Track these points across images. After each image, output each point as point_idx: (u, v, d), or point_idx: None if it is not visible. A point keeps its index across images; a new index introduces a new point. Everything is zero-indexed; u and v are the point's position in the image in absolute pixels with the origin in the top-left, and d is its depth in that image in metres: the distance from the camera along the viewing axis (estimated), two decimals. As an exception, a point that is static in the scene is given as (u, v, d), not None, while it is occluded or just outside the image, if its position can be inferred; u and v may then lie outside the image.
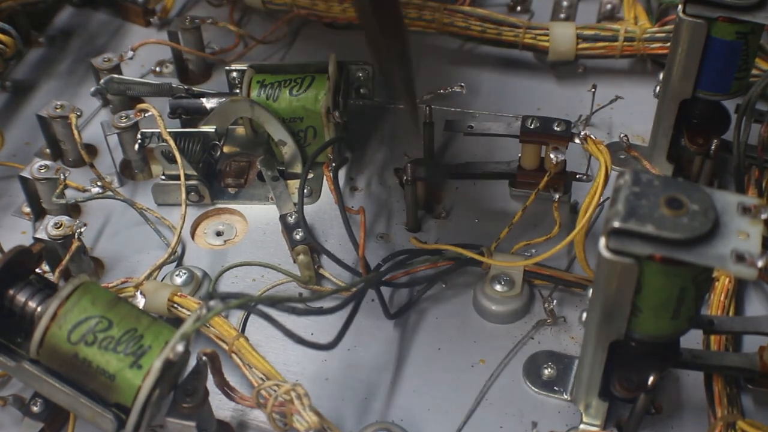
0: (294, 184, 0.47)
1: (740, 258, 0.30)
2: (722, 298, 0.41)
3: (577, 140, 0.42)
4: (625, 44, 0.52)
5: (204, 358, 0.36)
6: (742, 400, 0.39)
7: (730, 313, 0.41)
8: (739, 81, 0.43)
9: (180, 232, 0.44)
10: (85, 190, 0.48)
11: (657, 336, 0.34)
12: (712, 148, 0.45)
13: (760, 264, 0.30)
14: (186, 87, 0.51)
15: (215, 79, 0.55)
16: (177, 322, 0.38)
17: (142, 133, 0.47)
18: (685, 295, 0.33)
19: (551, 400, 0.39)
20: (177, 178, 0.46)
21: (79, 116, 0.48)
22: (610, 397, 0.37)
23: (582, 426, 0.38)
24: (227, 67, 0.49)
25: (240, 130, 0.50)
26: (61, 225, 0.42)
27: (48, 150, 0.50)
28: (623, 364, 0.36)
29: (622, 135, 0.48)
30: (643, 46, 0.52)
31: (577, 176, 0.45)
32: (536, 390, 0.40)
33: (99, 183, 0.47)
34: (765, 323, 0.38)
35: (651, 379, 0.35)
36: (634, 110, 0.51)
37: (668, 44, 0.49)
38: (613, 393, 0.37)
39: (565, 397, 0.39)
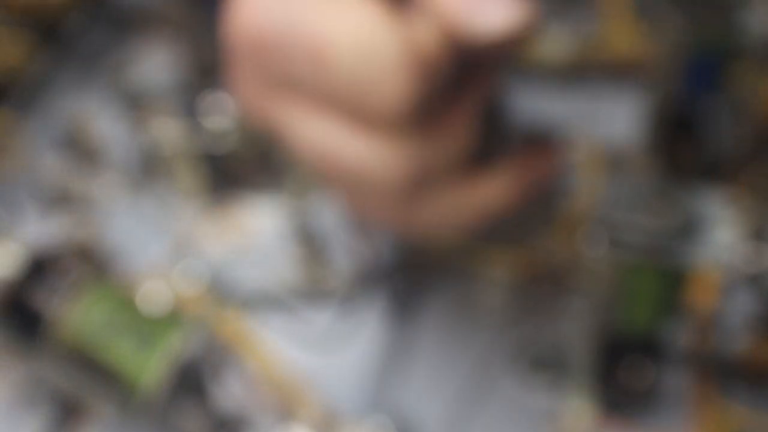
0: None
1: (725, 251, 0.31)
2: (707, 292, 0.42)
3: (565, 142, 0.43)
4: (615, 45, 0.53)
5: (207, 354, 0.37)
6: (731, 395, 0.39)
7: (717, 307, 0.42)
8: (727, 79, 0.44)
9: (185, 231, 0.45)
10: (93, 189, 0.48)
11: (645, 330, 0.35)
12: (699, 145, 0.46)
13: (744, 257, 0.31)
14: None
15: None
16: (181, 319, 0.39)
17: (152, 133, 0.47)
18: (671, 289, 0.33)
19: (548, 393, 0.40)
20: (185, 177, 0.47)
21: (90, 116, 0.48)
22: (602, 391, 0.38)
23: (575, 418, 0.39)
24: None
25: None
26: (68, 223, 0.43)
27: (59, 149, 0.51)
28: (614, 359, 0.37)
29: (609, 135, 0.49)
30: (631, 47, 0.53)
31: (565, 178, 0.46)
32: (534, 383, 0.40)
33: (108, 182, 0.48)
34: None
35: (640, 373, 0.36)
36: (622, 111, 0.52)
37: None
38: (604, 386, 0.37)
39: (560, 390, 0.40)
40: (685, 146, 0.46)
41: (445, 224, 0.33)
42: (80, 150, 0.49)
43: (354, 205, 0.33)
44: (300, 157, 0.32)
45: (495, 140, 0.32)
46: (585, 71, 0.54)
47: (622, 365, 0.37)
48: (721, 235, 0.32)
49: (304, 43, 0.29)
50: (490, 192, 0.32)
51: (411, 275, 0.44)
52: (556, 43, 0.53)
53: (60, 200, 0.46)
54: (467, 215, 0.32)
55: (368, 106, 0.29)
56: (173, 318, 0.39)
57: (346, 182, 0.32)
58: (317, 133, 0.31)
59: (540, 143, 0.33)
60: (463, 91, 0.31)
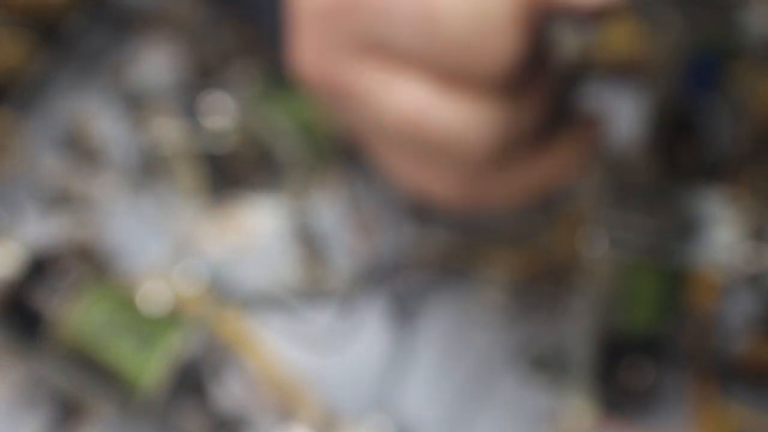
0: (295, 184, 0.48)
1: (725, 251, 0.31)
2: (708, 292, 0.42)
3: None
4: (615, 45, 0.53)
5: (207, 354, 0.37)
6: (731, 395, 0.39)
7: (717, 307, 0.42)
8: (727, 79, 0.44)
9: (185, 231, 0.45)
10: (93, 189, 0.49)
11: (645, 330, 0.35)
12: (699, 145, 0.46)
13: (744, 257, 0.31)
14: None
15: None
16: (181, 319, 0.39)
17: (152, 133, 0.47)
18: (671, 289, 0.34)
19: (548, 393, 0.40)
20: (185, 177, 0.47)
21: (90, 116, 0.49)
22: (602, 391, 0.38)
23: (575, 418, 0.39)
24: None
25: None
26: (68, 223, 0.43)
27: (59, 149, 0.51)
28: (614, 359, 0.37)
29: (608, 135, 0.49)
30: (631, 47, 0.53)
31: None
32: (534, 382, 0.40)
33: (108, 182, 0.48)
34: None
35: (640, 373, 0.36)
36: (622, 111, 0.52)
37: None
38: (605, 386, 0.38)
39: (560, 390, 0.40)
40: (685, 146, 0.46)
41: (507, 199, 0.32)
42: (80, 150, 0.49)
43: (422, 179, 0.32)
44: (374, 125, 0.31)
45: (559, 117, 0.32)
46: (585, 71, 0.54)
47: (622, 365, 0.37)
48: (721, 235, 0.32)
49: (410, 1, 0.28)
50: (552, 166, 0.32)
51: (411, 275, 0.44)
52: (557, 43, 0.53)
53: (60, 200, 0.46)
54: (528, 190, 0.32)
55: (474, 64, 0.28)
56: (173, 318, 0.39)
57: (426, 150, 0.30)
58: (405, 97, 0.30)
59: (589, 121, 0.33)
60: (545, 62, 0.31)
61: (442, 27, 0.28)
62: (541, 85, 0.30)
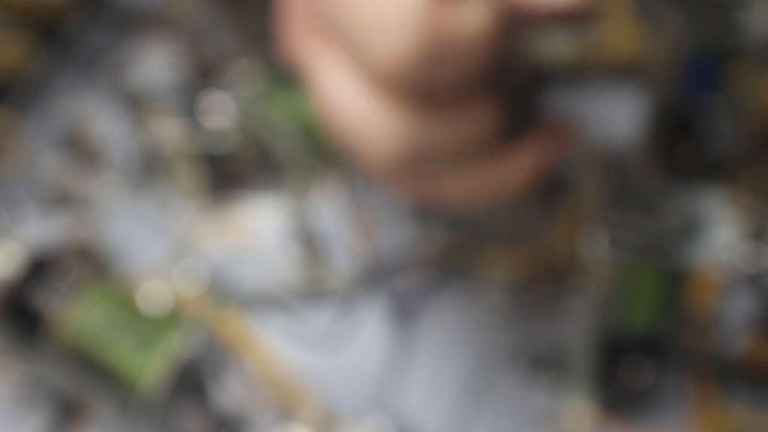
0: (295, 184, 0.48)
1: (725, 251, 0.31)
2: (708, 292, 0.42)
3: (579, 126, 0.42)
4: (615, 45, 0.53)
5: (207, 354, 0.37)
6: (731, 395, 0.39)
7: (717, 307, 0.42)
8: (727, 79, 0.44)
9: (184, 231, 0.45)
10: (93, 189, 0.49)
11: (645, 330, 0.35)
12: (699, 145, 0.46)
13: (744, 257, 0.31)
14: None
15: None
16: (181, 319, 0.39)
17: (152, 133, 0.47)
18: (671, 289, 0.34)
19: (548, 393, 0.40)
20: (185, 177, 0.47)
21: (90, 116, 0.49)
22: (602, 391, 0.38)
23: (575, 418, 0.39)
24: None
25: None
26: (68, 223, 0.43)
27: (59, 149, 0.51)
28: (614, 359, 0.37)
29: (609, 135, 0.49)
30: (631, 47, 0.53)
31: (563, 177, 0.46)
32: (534, 383, 0.40)
33: (108, 182, 0.48)
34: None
35: (639, 373, 0.36)
36: (622, 111, 0.52)
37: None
38: (605, 386, 0.38)
39: (560, 390, 0.40)
40: (685, 146, 0.46)
41: (468, 199, 0.34)
42: (80, 150, 0.49)
43: (366, 167, 0.34)
44: (320, 108, 0.33)
45: (522, 122, 0.33)
46: (585, 71, 0.54)
47: (622, 365, 0.37)
48: (721, 235, 0.32)
49: None
50: (513, 170, 0.33)
51: (411, 275, 0.44)
52: (556, 43, 0.53)
53: (60, 200, 0.46)
54: (490, 191, 0.33)
55: (372, 56, 0.29)
56: (173, 318, 0.39)
57: (350, 142, 0.32)
58: (335, 84, 0.31)
59: (558, 125, 0.34)
60: (494, 84, 0.31)
61: (352, 10, 0.30)
62: (480, 106, 0.31)
